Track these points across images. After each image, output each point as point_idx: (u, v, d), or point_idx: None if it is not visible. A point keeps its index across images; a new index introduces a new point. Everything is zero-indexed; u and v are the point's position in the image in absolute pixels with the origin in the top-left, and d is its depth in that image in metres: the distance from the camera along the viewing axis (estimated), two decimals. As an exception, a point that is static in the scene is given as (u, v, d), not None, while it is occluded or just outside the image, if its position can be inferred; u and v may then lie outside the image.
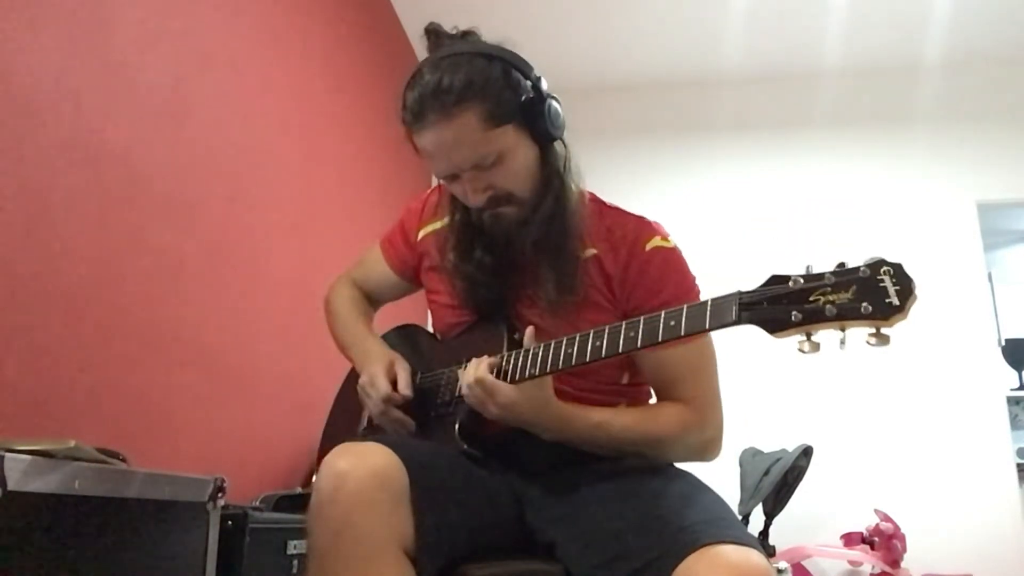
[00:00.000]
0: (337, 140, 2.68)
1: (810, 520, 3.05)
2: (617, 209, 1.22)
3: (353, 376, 1.40)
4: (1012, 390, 4.26)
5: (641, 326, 0.94)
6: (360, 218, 2.85)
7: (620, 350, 0.95)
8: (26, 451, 0.85)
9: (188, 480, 1.20)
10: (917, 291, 0.76)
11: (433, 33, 1.14)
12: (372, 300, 1.46)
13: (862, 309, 0.77)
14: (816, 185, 3.61)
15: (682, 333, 0.90)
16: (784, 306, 0.82)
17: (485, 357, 1.05)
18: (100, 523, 0.98)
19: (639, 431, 1.10)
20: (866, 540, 2.94)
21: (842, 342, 0.80)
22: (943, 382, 3.27)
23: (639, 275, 1.12)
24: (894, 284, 0.77)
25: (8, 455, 0.81)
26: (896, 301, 0.76)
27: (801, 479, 2.83)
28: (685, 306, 0.90)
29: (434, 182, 1.27)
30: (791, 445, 2.87)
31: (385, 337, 1.39)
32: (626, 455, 1.12)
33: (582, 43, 3.62)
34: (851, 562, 3.04)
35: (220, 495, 1.27)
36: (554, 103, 1.12)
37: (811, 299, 0.80)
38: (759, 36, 3.50)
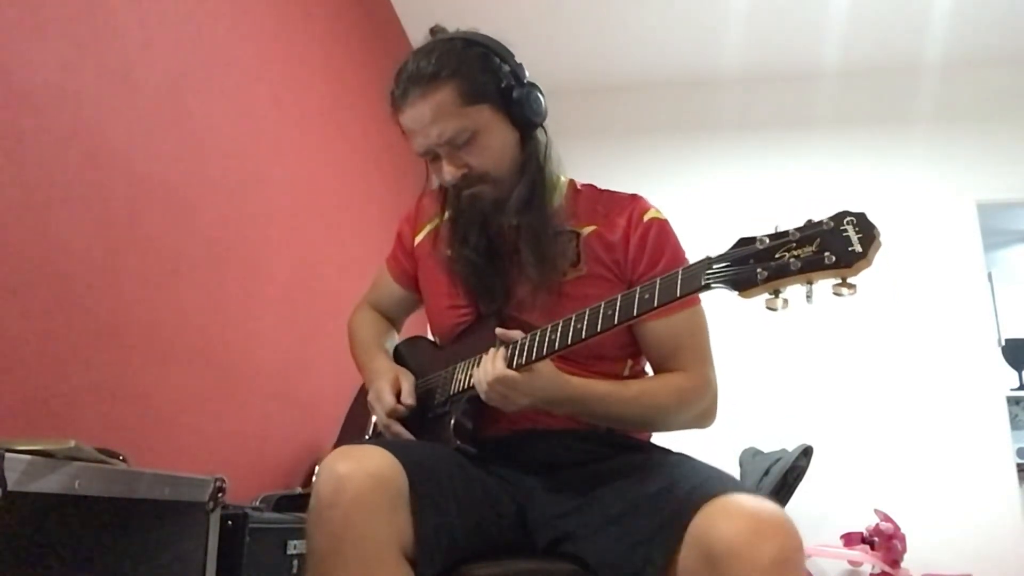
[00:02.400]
0: (337, 140, 2.69)
1: (810, 520, 3.04)
2: (609, 191, 1.27)
3: (364, 391, 1.42)
4: (1012, 390, 4.26)
5: (618, 303, 0.96)
6: (360, 218, 2.86)
7: (600, 329, 0.96)
8: (26, 451, 0.85)
9: (188, 480, 1.20)
10: (881, 238, 0.76)
11: (438, 32, 1.19)
12: (390, 319, 1.48)
13: (825, 259, 0.77)
14: (816, 185, 3.61)
15: (655, 304, 0.91)
16: (751, 265, 0.82)
17: (497, 352, 1.05)
18: (100, 523, 0.98)
19: (644, 400, 1.12)
20: (866, 540, 2.94)
21: (808, 296, 0.80)
22: (943, 382, 3.27)
23: (640, 244, 1.16)
24: (857, 232, 0.77)
25: (8, 455, 0.81)
26: (859, 248, 0.76)
27: (801, 479, 2.83)
28: (658, 279, 0.92)
29: (434, 183, 1.29)
30: (791, 445, 2.87)
31: (396, 348, 1.43)
32: (632, 426, 1.16)
33: (582, 43, 3.62)
34: (851, 562, 3.04)
35: (220, 495, 1.27)
36: (534, 91, 1.16)
37: (777, 256, 0.81)
38: (759, 36, 3.50)
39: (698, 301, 1.16)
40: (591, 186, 1.28)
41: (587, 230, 1.19)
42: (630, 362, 1.21)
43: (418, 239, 1.35)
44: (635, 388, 1.14)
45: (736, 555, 0.80)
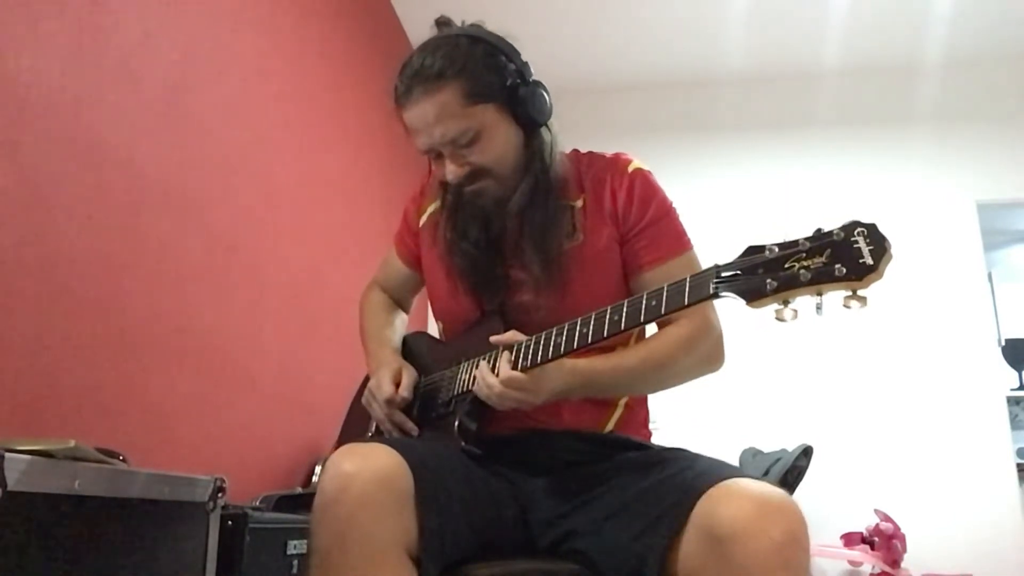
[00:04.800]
0: (337, 139, 2.68)
1: (810, 520, 3.02)
2: (591, 152, 1.28)
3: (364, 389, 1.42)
4: (1012, 390, 4.26)
5: (624, 309, 0.96)
6: (360, 217, 2.85)
7: (606, 334, 0.97)
8: (26, 451, 0.85)
9: (188, 480, 1.20)
10: (892, 250, 0.76)
11: (444, 25, 1.19)
12: (398, 300, 1.48)
13: (836, 271, 0.76)
14: (816, 185, 3.61)
15: (663, 311, 0.91)
16: (760, 275, 0.81)
17: (501, 357, 1.05)
18: (100, 523, 0.98)
19: (655, 357, 1.13)
20: (866, 540, 2.94)
21: (818, 307, 0.79)
22: (943, 382, 3.27)
23: (628, 195, 1.18)
24: (868, 244, 0.76)
25: (8, 455, 0.81)
26: (870, 261, 0.75)
27: (801, 479, 2.83)
28: (665, 285, 0.93)
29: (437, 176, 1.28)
30: (791, 445, 2.87)
31: (404, 340, 1.42)
32: (646, 390, 1.18)
33: (582, 43, 3.62)
34: (851, 562, 3.04)
35: (220, 495, 1.27)
36: (539, 89, 1.16)
37: (786, 266, 0.80)
38: (759, 36, 3.50)
39: (690, 246, 1.18)
40: (575, 151, 1.28)
41: (579, 203, 1.19)
42: (636, 331, 1.21)
43: (422, 220, 1.35)
44: (640, 352, 1.14)
45: (741, 537, 0.80)
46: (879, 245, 0.76)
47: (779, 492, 0.84)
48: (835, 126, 3.69)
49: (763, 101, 3.80)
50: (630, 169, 1.20)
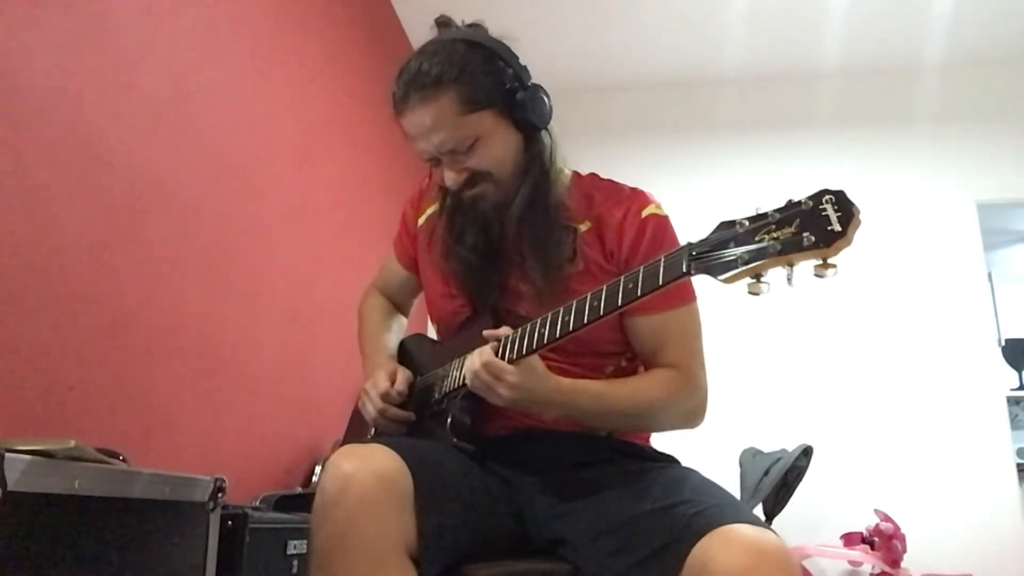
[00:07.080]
0: (337, 138, 2.69)
1: (810, 520, 3.05)
2: (611, 181, 1.25)
3: None
4: (1012, 390, 4.27)
5: (604, 293, 0.95)
6: (360, 217, 2.85)
7: (586, 321, 0.96)
8: (26, 451, 0.85)
9: (188, 480, 1.20)
10: (861, 216, 0.75)
11: (443, 25, 1.17)
12: (397, 304, 1.48)
13: (804, 240, 0.75)
14: (816, 185, 3.56)
15: (639, 293, 0.90)
16: (731, 250, 0.81)
17: (485, 347, 1.05)
18: (100, 523, 0.98)
19: (635, 399, 1.11)
20: (866, 540, 2.94)
21: (788, 279, 0.78)
22: (943, 382, 3.26)
23: (636, 239, 1.14)
24: (836, 211, 0.75)
25: (8, 455, 0.81)
26: (838, 227, 0.74)
27: (801, 479, 2.83)
28: (641, 268, 0.91)
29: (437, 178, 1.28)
30: (791, 445, 2.87)
31: (402, 343, 1.42)
32: (623, 426, 1.15)
33: (582, 43, 3.62)
34: (851, 562, 3.04)
35: (220, 495, 1.27)
36: (539, 93, 1.14)
37: (757, 239, 0.79)
38: (759, 36, 3.50)
39: (692, 299, 1.16)
40: (593, 176, 1.26)
41: (583, 227, 1.17)
42: (628, 353, 1.20)
43: (420, 220, 1.35)
44: (628, 386, 1.13)
45: None
46: (847, 211, 0.75)
47: (775, 542, 0.83)
48: (835, 126, 3.68)
49: (762, 101, 3.80)
50: (644, 213, 1.16)
